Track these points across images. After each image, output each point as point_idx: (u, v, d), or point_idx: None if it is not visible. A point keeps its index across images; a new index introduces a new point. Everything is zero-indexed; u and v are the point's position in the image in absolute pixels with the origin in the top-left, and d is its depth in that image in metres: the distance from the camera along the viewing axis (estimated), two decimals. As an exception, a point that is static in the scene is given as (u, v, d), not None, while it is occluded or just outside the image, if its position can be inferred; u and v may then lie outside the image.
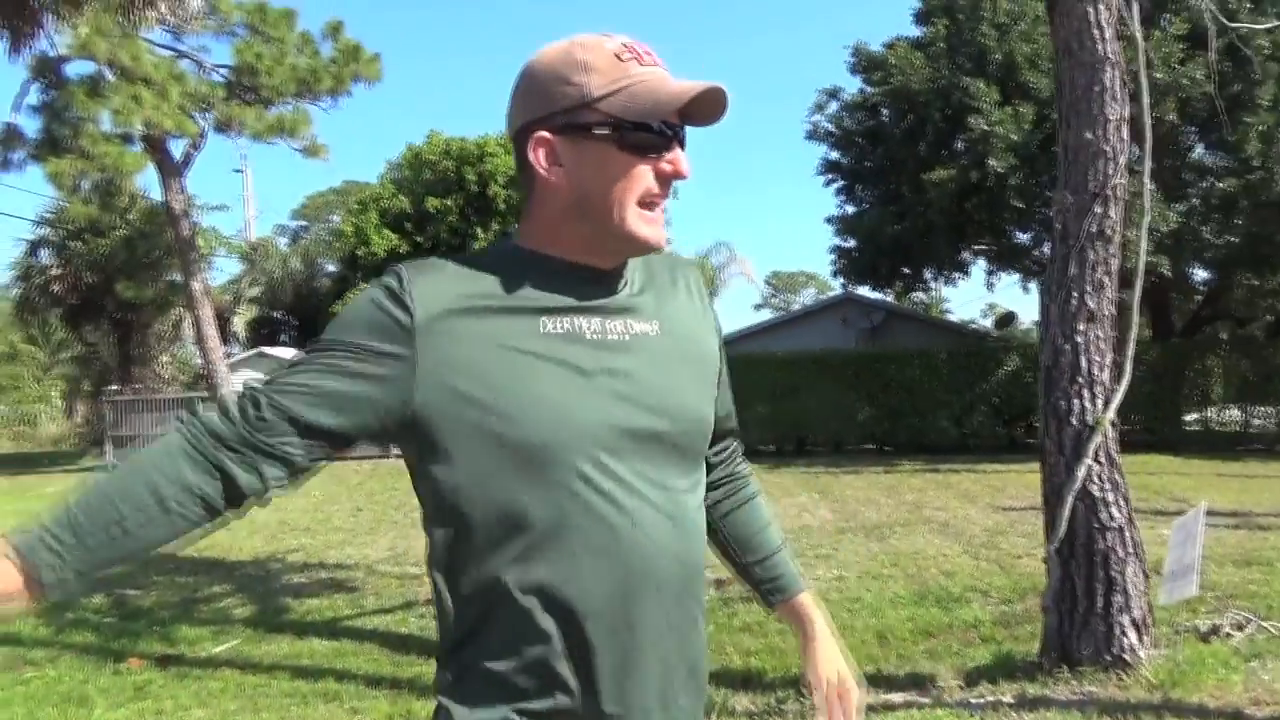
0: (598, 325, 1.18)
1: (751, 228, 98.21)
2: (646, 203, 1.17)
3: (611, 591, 1.13)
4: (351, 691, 4.45)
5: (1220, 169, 15.53)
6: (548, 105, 1.15)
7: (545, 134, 1.15)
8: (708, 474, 1.33)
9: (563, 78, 1.14)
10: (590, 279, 1.20)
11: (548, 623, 1.12)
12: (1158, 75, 13.82)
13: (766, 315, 43.33)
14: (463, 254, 1.22)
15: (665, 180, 1.18)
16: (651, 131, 1.14)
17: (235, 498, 1.09)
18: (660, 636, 1.18)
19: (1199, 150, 16.34)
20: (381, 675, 4.70)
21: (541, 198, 1.19)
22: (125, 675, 4.86)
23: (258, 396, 1.10)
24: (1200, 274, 17.69)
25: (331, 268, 28.22)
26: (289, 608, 6.28)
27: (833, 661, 1.39)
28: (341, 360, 1.10)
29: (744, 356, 17.88)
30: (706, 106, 1.17)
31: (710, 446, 1.32)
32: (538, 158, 1.16)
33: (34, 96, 16.39)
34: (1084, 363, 4.12)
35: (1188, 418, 16.67)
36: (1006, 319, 25.10)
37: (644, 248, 1.20)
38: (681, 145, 1.19)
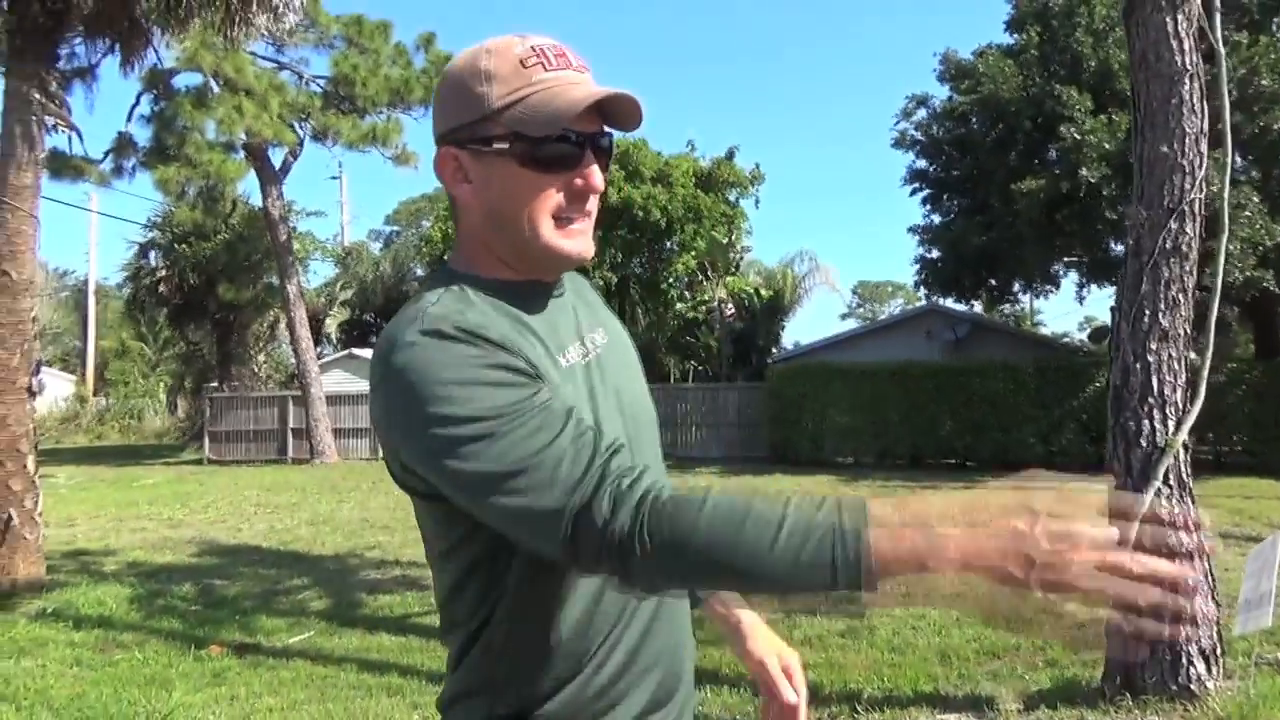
0: (580, 348, 1.15)
1: (840, 236, 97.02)
2: (561, 218, 1.09)
3: (643, 612, 1.13)
4: (414, 687, 4.59)
5: (1333, 180, 14.78)
6: (455, 118, 1.08)
7: (452, 149, 1.09)
8: None
9: (467, 88, 1.07)
10: (545, 294, 1.15)
11: (603, 652, 1.09)
12: (1264, 83, 13.26)
13: (852, 325, 42.84)
14: (431, 291, 1.08)
15: (577, 196, 1.09)
16: (561, 142, 1.06)
17: None
18: (681, 642, 1.20)
19: (1310, 160, 15.56)
20: (445, 673, 4.83)
21: (461, 214, 1.14)
22: (205, 661, 5.10)
23: (599, 457, 0.95)
24: (1311, 290, 16.83)
25: (420, 272, 28.97)
26: (363, 603, 6.49)
27: (770, 639, 1.33)
28: (546, 397, 0.98)
29: (825, 366, 17.72)
30: (621, 112, 1.09)
31: None
32: (445, 174, 1.10)
33: (145, 107, 17.27)
34: (1155, 383, 4.00)
35: (1293, 440, 15.84)
36: (1101, 333, 24.24)
37: (567, 263, 1.12)
38: (602, 154, 1.10)
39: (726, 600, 1.37)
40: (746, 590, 1.07)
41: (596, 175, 1.09)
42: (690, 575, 0.95)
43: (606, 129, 1.11)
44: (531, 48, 1.07)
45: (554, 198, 1.08)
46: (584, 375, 1.12)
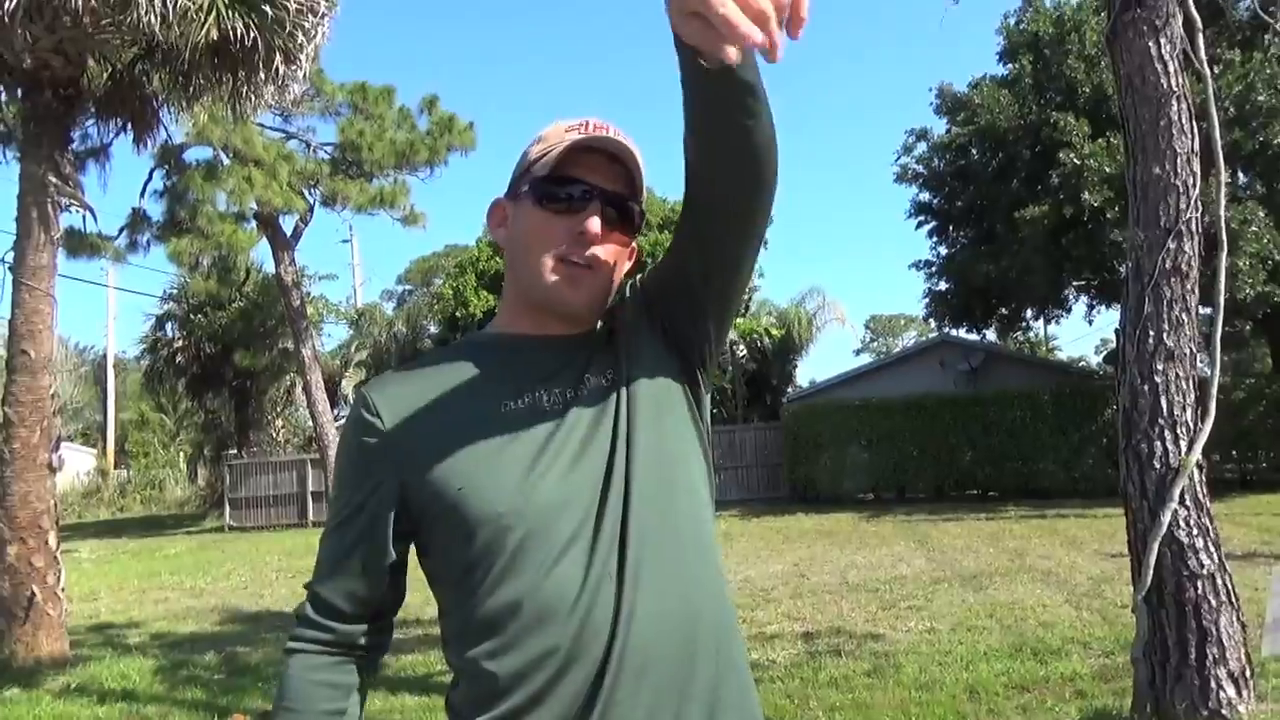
0: (557, 396, 1.16)
1: (851, 271, 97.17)
2: (565, 260, 1.16)
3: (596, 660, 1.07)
4: (438, 746, 4.56)
5: (1338, 191, 14.75)
6: (512, 175, 1.25)
7: (502, 199, 1.26)
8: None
9: (524, 150, 1.24)
10: (553, 348, 1.20)
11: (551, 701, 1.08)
12: (1261, 98, 13.32)
13: (866, 360, 42.72)
14: (437, 349, 1.29)
15: (577, 240, 1.16)
16: (565, 184, 1.16)
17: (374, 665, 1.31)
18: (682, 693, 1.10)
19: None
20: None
21: (505, 262, 1.27)
22: (229, 730, 5.08)
23: (332, 601, 1.22)
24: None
25: (434, 329, 29.15)
26: (384, 664, 6.44)
27: None
28: (356, 516, 1.18)
29: (840, 403, 17.67)
30: (608, 152, 1.17)
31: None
32: (491, 220, 1.27)
33: (157, 182, 17.61)
34: (1165, 403, 3.99)
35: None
36: (1114, 355, 24.09)
37: (559, 301, 1.18)
38: (618, 212, 1.17)
39: None
40: None
41: (594, 223, 1.15)
42: None
43: (631, 194, 1.19)
44: (584, 120, 1.18)
45: (557, 235, 1.16)
46: (535, 421, 1.13)
